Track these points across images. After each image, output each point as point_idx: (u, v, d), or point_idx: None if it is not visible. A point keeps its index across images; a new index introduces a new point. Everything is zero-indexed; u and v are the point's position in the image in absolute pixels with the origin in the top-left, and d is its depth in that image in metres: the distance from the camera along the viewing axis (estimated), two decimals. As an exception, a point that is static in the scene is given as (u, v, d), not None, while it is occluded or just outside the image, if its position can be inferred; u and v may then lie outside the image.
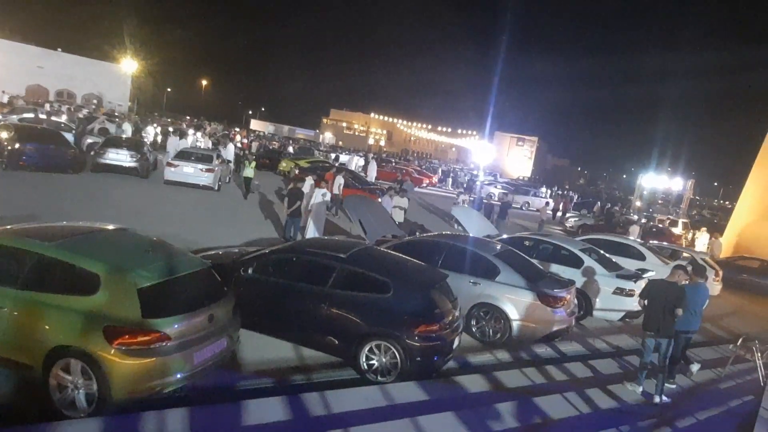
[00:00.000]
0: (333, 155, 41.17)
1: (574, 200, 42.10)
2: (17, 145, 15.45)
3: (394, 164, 44.39)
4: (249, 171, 19.13)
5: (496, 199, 25.72)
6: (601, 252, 11.39)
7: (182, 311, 4.88)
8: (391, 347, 6.09)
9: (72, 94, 57.41)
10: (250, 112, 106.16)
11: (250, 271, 6.94)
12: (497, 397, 6.00)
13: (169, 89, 78.19)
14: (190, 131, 30.23)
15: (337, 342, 6.34)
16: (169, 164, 18.37)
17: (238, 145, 31.85)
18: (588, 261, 10.60)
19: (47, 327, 4.59)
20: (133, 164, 18.01)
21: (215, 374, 5.61)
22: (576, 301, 9.12)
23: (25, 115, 24.44)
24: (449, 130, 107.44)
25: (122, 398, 4.50)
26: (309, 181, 14.46)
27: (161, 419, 4.44)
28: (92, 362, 4.40)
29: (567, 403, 6.11)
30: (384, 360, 6.15)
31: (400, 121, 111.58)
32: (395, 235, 11.64)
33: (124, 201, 14.34)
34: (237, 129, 58.15)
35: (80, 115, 30.47)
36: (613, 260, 11.41)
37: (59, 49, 58.32)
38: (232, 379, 5.82)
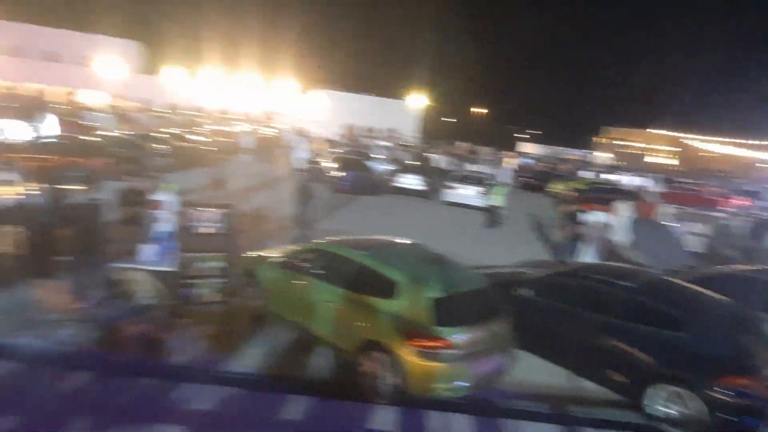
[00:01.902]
0: (600, 176, 37.82)
1: None
2: (339, 173, 19.37)
3: (683, 185, 38.23)
4: (496, 198, 16.19)
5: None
6: None
7: (467, 324, 5.32)
8: (684, 395, 5.35)
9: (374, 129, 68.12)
10: (517, 135, 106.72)
11: (526, 291, 7.04)
12: None
13: (449, 119, 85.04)
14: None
15: (617, 378, 5.89)
16: (447, 186, 20.06)
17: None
18: None
19: (361, 323, 5.59)
20: (421, 187, 20.43)
21: (491, 389, 5.89)
22: None
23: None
24: (757, 142, 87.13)
25: (415, 393, 5.14)
26: (625, 205, 13.70)
27: (446, 420, 4.91)
28: (393, 357, 5.17)
29: None
30: (675, 409, 5.43)
31: (688, 135, 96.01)
32: (690, 266, 10.12)
33: (412, 219, 16.27)
34: (509, 153, 59.10)
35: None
36: None
37: (364, 93, 70.08)
38: (506, 395, 5.99)
